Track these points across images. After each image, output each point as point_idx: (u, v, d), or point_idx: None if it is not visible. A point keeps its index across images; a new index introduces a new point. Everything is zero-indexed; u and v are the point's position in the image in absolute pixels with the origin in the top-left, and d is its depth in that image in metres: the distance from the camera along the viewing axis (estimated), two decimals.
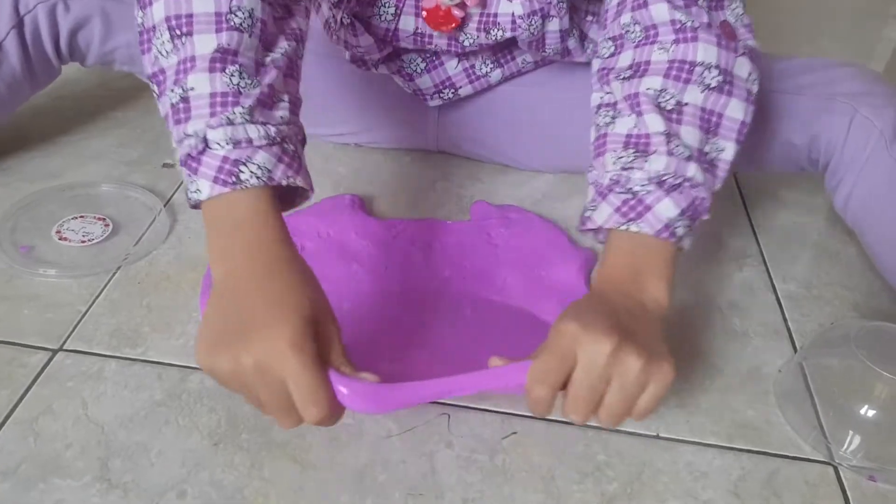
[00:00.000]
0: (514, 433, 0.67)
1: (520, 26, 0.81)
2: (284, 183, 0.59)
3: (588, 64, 0.89)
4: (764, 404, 0.71)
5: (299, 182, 0.61)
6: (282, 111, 0.61)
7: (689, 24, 0.69)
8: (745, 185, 1.05)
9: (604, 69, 0.74)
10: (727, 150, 0.69)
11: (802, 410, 0.70)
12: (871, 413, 0.66)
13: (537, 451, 0.65)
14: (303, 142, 0.65)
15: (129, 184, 0.93)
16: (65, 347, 0.71)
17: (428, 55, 0.90)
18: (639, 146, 0.67)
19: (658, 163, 0.65)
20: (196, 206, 0.60)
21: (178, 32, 0.59)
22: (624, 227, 0.64)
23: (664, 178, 0.65)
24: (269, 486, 0.60)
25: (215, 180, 0.57)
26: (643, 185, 0.65)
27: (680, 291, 0.84)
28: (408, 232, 0.86)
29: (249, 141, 0.58)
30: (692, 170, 0.65)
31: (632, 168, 0.66)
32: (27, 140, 1.01)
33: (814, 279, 0.88)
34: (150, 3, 0.60)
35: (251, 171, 0.57)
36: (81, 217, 0.86)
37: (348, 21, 0.81)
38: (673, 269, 0.65)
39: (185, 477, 0.61)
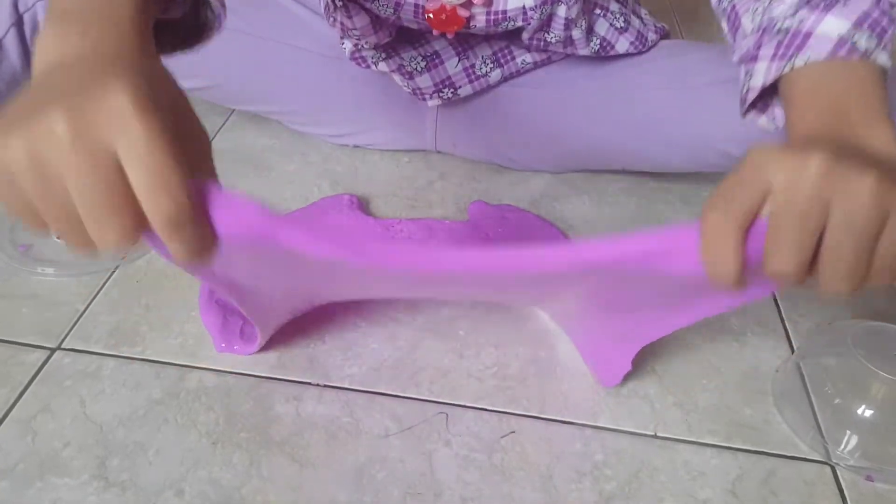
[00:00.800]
0: (513, 432, 0.67)
1: (531, 17, 0.81)
2: None
3: (589, 59, 0.89)
4: (761, 404, 0.71)
5: None
6: None
7: None
8: None
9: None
10: None
11: (800, 410, 0.70)
12: (868, 413, 0.66)
13: (535, 450, 0.65)
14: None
15: None
16: (63, 346, 0.71)
17: (428, 54, 0.90)
18: None
19: None
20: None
21: None
22: (788, 68, 0.51)
23: (809, 2, 0.53)
24: (267, 484, 0.61)
25: None
26: (792, 16, 0.53)
27: None
28: (405, 232, 0.86)
29: None
30: None
31: (771, 8, 0.55)
32: None
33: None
34: None
35: None
36: None
37: (341, 4, 0.81)
38: (884, 94, 0.48)
39: (184, 475, 0.61)
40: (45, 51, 0.41)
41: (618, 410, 0.69)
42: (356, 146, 1.04)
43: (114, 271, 0.80)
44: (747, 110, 0.57)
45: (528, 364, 0.73)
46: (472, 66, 0.91)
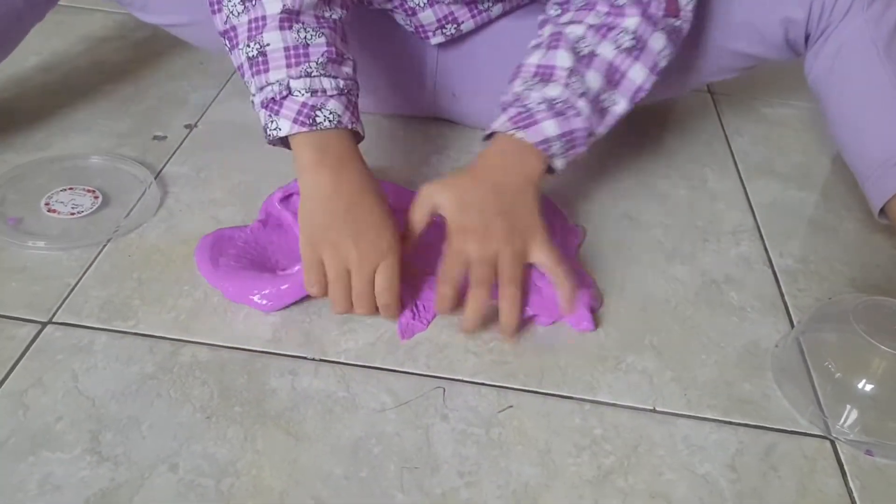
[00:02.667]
0: (510, 407, 0.66)
1: None
2: (350, 127, 0.72)
3: None
4: (761, 379, 0.71)
5: (359, 129, 0.74)
6: (347, 68, 0.75)
7: (625, 3, 0.78)
8: (742, 159, 1.04)
9: (544, 20, 0.84)
10: (620, 105, 0.79)
11: (800, 385, 0.70)
12: (868, 387, 0.66)
13: (533, 425, 0.65)
14: (357, 95, 0.77)
15: (119, 156, 0.91)
16: (54, 320, 0.70)
17: None
18: (543, 75, 0.78)
19: (555, 90, 0.76)
20: (273, 142, 0.73)
21: None
22: (511, 133, 0.74)
23: (555, 103, 0.75)
24: (262, 458, 0.60)
25: (295, 121, 0.70)
26: (537, 104, 0.75)
27: (677, 266, 0.83)
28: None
29: (324, 91, 0.71)
30: (581, 104, 0.76)
31: (532, 90, 0.77)
32: (14, 113, 0.99)
33: (811, 254, 0.87)
34: None
35: (325, 116, 0.70)
36: (71, 189, 0.85)
37: None
38: (540, 176, 0.75)
39: (177, 450, 0.60)
40: (317, 184, 0.70)
41: (616, 385, 0.69)
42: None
43: (105, 245, 0.79)
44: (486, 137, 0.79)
45: (526, 338, 0.72)
46: (475, 0, 0.90)
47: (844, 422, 0.66)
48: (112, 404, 0.63)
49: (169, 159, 0.93)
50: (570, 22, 0.80)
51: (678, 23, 0.81)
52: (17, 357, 0.66)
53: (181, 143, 0.96)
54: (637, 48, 0.78)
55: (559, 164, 0.77)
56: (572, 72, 0.76)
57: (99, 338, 0.69)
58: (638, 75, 0.79)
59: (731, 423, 0.67)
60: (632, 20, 0.78)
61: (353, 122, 0.73)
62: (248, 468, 0.59)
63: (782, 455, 0.64)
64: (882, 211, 0.83)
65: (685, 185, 0.97)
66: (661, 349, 0.73)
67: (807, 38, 0.88)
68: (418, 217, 0.73)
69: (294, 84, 0.70)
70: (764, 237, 0.89)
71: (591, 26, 0.78)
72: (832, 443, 0.66)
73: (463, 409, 0.65)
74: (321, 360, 0.69)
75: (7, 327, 0.69)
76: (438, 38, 0.94)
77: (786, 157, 1.06)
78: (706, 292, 0.80)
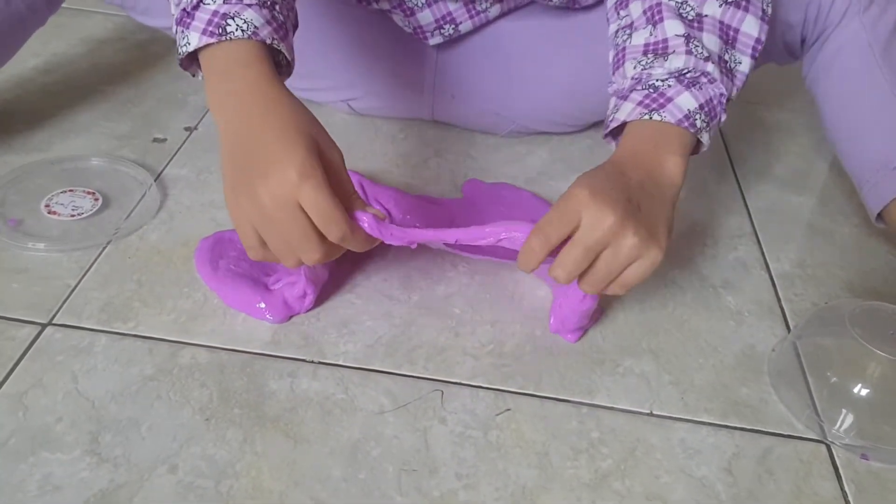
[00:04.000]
0: (508, 410, 0.66)
1: None
2: (268, 42, 0.63)
3: (588, 6, 0.91)
4: (758, 383, 0.71)
5: (283, 48, 0.64)
6: None
7: None
8: (740, 164, 1.04)
9: (620, 0, 0.77)
10: (744, 63, 0.73)
11: (796, 389, 0.70)
12: (864, 392, 0.66)
13: (531, 428, 0.65)
14: (294, 25, 0.69)
15: (119, 158, 0.91)
16: (54, 322, 0.70)
17: None
18: (657, 50, 0.71)
19: (677, 60, 0.69)
20: (186, 65, 0.66)
21: None
22: (647, 117, 0.67)
23: (684, 74, 0.69)
24: (261, 460, 0.60)
25: (203, 32, 0.61)
26: (663, 80, 0.69)
27: (674, 270, 0.83)
28: (401, 206, 0.86)
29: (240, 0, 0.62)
30: (710, 67, 0.69)
31: (652, 67, 0.70)
32: (14, 115, 0.99)
33: (808, 258, 0.88)
34: None
35: (237, 25, 0.61)
36: (71, 191, 0.85)
37: None
38: (688, 155, 0.68)
39: (177, 451, 0.60)
40: (225, 122, 0.62)
41: (614, 388, 0.69)
42: (350, 107, 1.03)
43: (105, 247, 0.79)
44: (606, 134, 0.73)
45: (524, 342, 0.73)
46: (473, 2, 0.91)
47: (840, 426, 0.66)
48: (112, 406, 0.63)
49: (169, 161, 0.93)
50: None
51: None
52: (17, 358, 0.67)
53: (181, 146, 0.96)
54: None
55: (706, 139, 0.70)
56: (689, 38, 0.70)
57: (99, 339, 0.69)
58: (752, 27, 0.72)
59: (727, 426, 0.67)
60: None
61: (273, 39, 0.63)
62: (248, 470, 0.59)
63: (778, 459, 0.65)
64: (879, 215, 0.84)
65: (683, 190, 0.97)
66: (659, 353, 0.73)
67: (803, 41, 0.88)
68: (561, 231, 0.61)
69: None
70: (761, 242, 0.90)
71: None
72: (828, 447, 0.66)
73: (461, 412, 0.66)
74: (320, 363, 0.69)
75: (7, 328, 0.69)
76: (437, 39, 0.94)
77: (783, 162, 1.06)
78: (704, 296, 0.81)
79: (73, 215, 0.82)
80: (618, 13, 0.77)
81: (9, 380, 0.65)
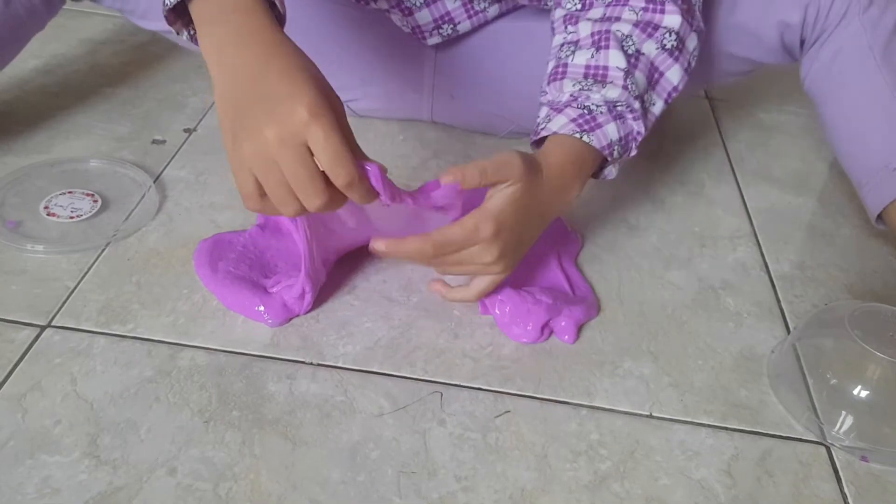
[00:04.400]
0: (507, 412, 0.66)
1: None
2: None
3: None
4: (757, 384, 0.71)
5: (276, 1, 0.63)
6: None
7: None
8: (739, 165, 1.04)
9: (570, 15, 0.81)
10: (657, 106, 0.78)
11: (795, 391, 0.70)
12: (863, 393, 0.66)
13: (530, 430, 0.65)
14: None
15: (118, 160, 0.91)
16: (53, 324, 0.70)
17: None
18: (597, 76, 0.75)
19: (613, 92, 0.74)
20: (171, 20, 0.63)
21: None
22: (578, 135, 0.71)
23: (616, 106, 0.73)
24: (260, 463, 0.60)
25: None
26: (598, 106, 0.73)
27: (674, 271, 0.83)
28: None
29: None
30: (636, 106, 0.74)
31: (590, 91, 0.74)
32: (14, 116, 0.99)
33: (807, 260, 0.88)
34: None
35: None
36: (70, 193, 0.85)
37: None
38: (586, 175, 0.74)
39: (175, 454, 0.60)
40: (222, 66, 0.60)
41: (613, 390, 0.69)
42: (350, 108, 1.03)
43: (104, 249, 0.79)
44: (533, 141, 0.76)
45: (523, 344, 0.73)
46: (471, 1, 0.91)
47: (840, 428, 0.66)
48: (110, 408, 0.63)
49: (168, 163, 0.93)
50: (609, 18, 0.77)
51: (701, 23, 0.80)
52: (15, 360, 0.66)
53: (180, 147, 0.96)
54: (678, 49, 0.77)
55: (614, 171, 0.77)
56: (627, 73, 0.74)
57: (98, 341, 0.69)
58: (675, 76, 0.78)
59: (727, 428, 0.67)
60: (673, 18, 0.76)
61: None
62: (246, 472, 0.59)
63: (778, 461, 0.65)
64: (879, 217, 0.84)
65: (682, 191, 0.98)
66: (658, 354, 0.73)
67: (802, 42, 0.88)
68: (488, 176, 0.65)
69: None
70: (761, 243, 0.90)
71: (636, 24, 0.76)
72: (827, 449, 0.66)
73: (460, 414, 0.66)
74: (319, 365, 0.69)
75: (6, 331, 0.69)
76: (435, 39, 0.94)
77: (783, 163, 1.06)
78: (703, 298, 0.81)
79: (72, 217, 0.82)
80: (566, 27, 0.80)
81: (7, 382, 0.64)
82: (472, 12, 0.92)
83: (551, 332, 0.73)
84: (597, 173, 0.76)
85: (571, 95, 0.74)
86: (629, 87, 0.74)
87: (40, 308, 0.72)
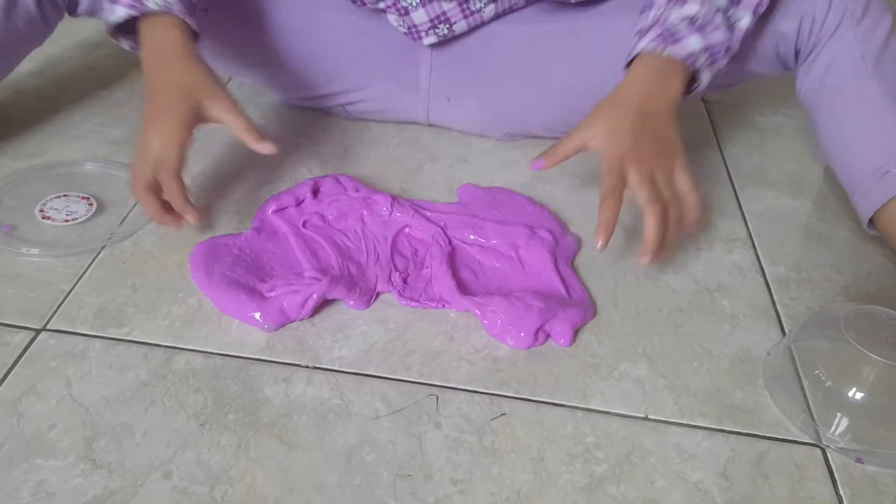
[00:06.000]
0: (503, 414, 0.66)
1: None
2: (180, 17, 0.80)
3: (577, 5, 0.93)
4: (752, 387, 0.71)
5: (190, 22, 0.81)
6: None
7: None
8: (735, 167, 1.05)
9: None
10: (744, 20, 0.82)
11: (791, 393, 0.70)
12: (858, 396, 0.66)
13: (526, 433, 0.65)
14: (200, 8, 0.86)
15: (113, 163, 0.91)
16: (48, 327, 0.70)
17: None
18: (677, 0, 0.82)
19: (692, 7, 0.80)
20: (112, 33, 0.84)
21: None
22: (659, 50, 0.79)
23: (695, 20, 0.80)
24: (255, 466, 0.60)
25: (128, 6, 0.79)
26: (678, 23, 0.80)
27: (670, 274, 0.83)
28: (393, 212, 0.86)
29: None
30: (718, 19, 0.80)
31: (670, 12, 0.81)
32: (9, 119, 0.99)
33: (803, 262, 0.88)
34: None
35: (154, 2, 0.78)
36: (65, 196, 0.85)
37: None
38: (680, 95, 0.81)
39: (171, 457, 0.60)
40: (150, 76, 0.79)
41: (609, 393, 0.69)
42: (346, 110, 1.03)
43: (99, 252, 0.79)
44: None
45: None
46: (467, 1, 0.91)
47: (835, 430, 0.66)
48: (106, 411, 0.63)
49: None
50: None
51: None
52: (10, 364, 0.66)
53: None
54: None
55: (706, 77, 0.82)
56: None
57: (93, 345, 0.69)
58: None
59: (722, 430, 0.67)
60: None
61: (183, 13, 0.80)
62: (242, 476, 0.59)
63: (773, 463, 0.65)
64: (871, 222, 0.84)
65: None
66: (654, 357, 0.73)
67: (797, 53, 0.89)
68: (570, 149, 0.79)
69: None
70: (756, 245, 0.90)
71: None
72: (823, 451, 0.66)
73: (456, 417, 0.66)
74: (315, 368, 0.69)
75: (1, 334, 0.69)
76: (431, 39, 0.94)
77: (778, 166, 1.06)
78: (699, 300, 0.81)
79: (67, 220, 0.82)
80: None
81: (2, 386, 0.64)
82: (468, 12, 0.92)
83: (547, 336, 0.73)
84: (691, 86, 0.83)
85: (654, 19, 0.82)
86: (707, 2, 0.80)
87: (35, 311, 0.72)
